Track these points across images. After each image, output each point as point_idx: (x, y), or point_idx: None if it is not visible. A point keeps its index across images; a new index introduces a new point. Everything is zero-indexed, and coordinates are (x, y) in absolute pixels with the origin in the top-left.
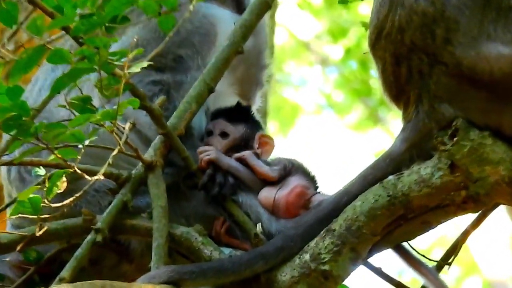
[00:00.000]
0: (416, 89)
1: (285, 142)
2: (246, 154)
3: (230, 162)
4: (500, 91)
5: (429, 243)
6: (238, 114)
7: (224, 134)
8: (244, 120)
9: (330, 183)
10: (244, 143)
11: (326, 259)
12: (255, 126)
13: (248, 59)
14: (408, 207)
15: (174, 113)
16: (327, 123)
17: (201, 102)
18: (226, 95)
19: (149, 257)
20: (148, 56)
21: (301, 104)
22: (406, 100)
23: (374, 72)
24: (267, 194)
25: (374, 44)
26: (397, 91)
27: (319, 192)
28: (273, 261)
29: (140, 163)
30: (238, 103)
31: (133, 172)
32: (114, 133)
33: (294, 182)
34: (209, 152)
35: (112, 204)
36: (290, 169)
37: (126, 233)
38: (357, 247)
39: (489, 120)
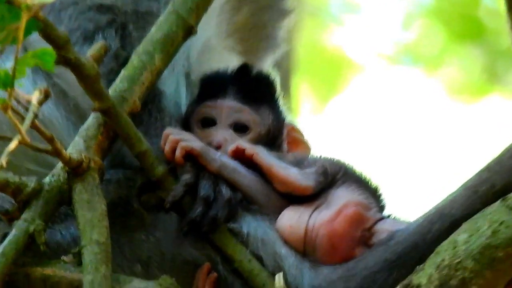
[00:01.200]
0: None
1: (322, 122)
2: (256, 148)
3: (224, 160)
4: None
5: None
6: (260, 89)
7: (241, 127)
8: (269, 100)
9: (408, 198)
10: (271, 141)
11: None
12: (281, 110)
13: None
14: None
15: (123, 71)
16: (405, 86)
17: (171, 52)
18: (219, 52)
19: None
20: None
21: (355, 55)
22: None
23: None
24: (294, 219)
25: None
26: None
27: (387, 216)
28: None
29: (60, 165)
30: (247, 67)
31: (47, 180)
32: (10, 111)
33: (343, 198)
34: (190, 138)
35: (7, 239)
36: (335, 175)
37: None
38: None
39: None
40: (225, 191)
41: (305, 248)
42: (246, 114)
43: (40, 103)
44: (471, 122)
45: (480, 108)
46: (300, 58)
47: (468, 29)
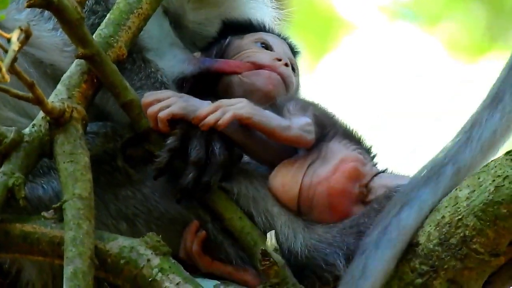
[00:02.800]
0: None
1: (314, 80)
2: (251, 111)
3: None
4: None
5: None
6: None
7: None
8: None
9: (404, 156)
10: None
11: None
12: None
13: None
14: None
15: (108, 15)
16: (403, 43)
17: None
18: None
19: None
20: None
21: (349, 13)
22: None
23: None
24: (287, 178)
25: None
26: None
27: (383, 171)
28: None
29: (41, 114)
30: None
31: (27, 131)
32: None
33: (339, 153)
34: (169, 101)
35: None
36: (325, 126)
37: (13, 249)
38: (460, 278)
39: None
40: (219, 151)
41: (299, 207)
42: (294, 60)
43: (22, 42)
44: (471, 81)
45: (480, 67)
46: (293, 15)
47: None
